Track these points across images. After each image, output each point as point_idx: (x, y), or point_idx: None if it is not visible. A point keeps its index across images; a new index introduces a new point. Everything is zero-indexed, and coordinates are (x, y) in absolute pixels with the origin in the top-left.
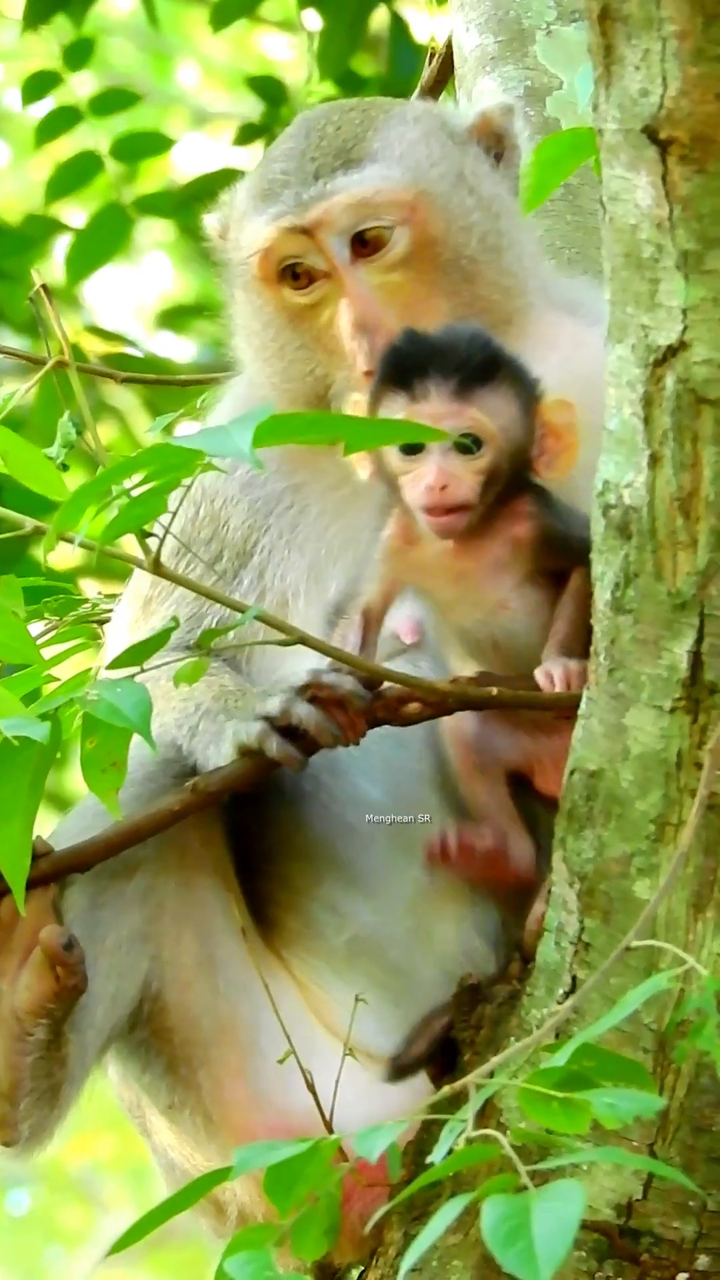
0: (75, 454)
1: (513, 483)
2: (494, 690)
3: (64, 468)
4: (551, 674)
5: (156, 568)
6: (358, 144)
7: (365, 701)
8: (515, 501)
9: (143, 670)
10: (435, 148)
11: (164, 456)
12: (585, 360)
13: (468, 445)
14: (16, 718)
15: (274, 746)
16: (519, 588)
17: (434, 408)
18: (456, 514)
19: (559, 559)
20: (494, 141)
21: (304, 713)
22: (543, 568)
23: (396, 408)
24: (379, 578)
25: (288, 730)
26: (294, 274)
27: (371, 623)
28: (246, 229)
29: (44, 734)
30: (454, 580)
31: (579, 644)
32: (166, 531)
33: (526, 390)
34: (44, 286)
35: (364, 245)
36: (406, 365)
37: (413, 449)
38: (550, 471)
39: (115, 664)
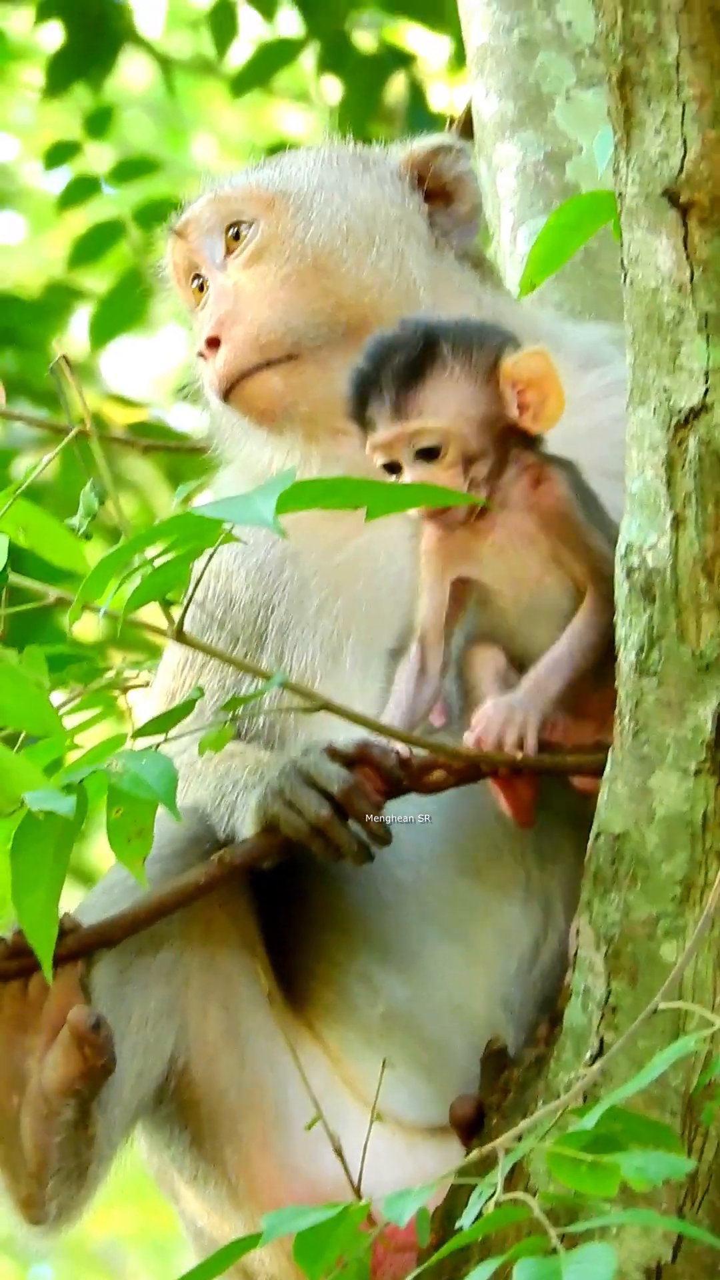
0: (96, 525)
1: (508, 443)
2: (518, 755)
3: (87, 537)
4: (472, 734)
5: (180, 635)
6: (256, 168)
7: (347, 784)
8: (531, 467)
9: (167, 739)
10: (319, 161)
11: (185, 526)
12: None
13: (429, 451)
14: (41, 790)
15: (288, 819)
16: (551, 563)
17: (383, 433)
18: (448, 511)
19: (577, 548)
20: (431, 180)
21: (332, 773)
22: (564, 551)
23: (365, 442)
24: (426, 587)
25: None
26: (193, 285)
27: (430, 645)
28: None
29: (69, 807)
30: (493, 557)
31: (554, 683)
32: (189, 600)
33: (475, 361)
34: (64, 357)
35: (229, 245)
36: (357, 397)
37: (392, 469)
38: (539, 424)
39: (140, 732)
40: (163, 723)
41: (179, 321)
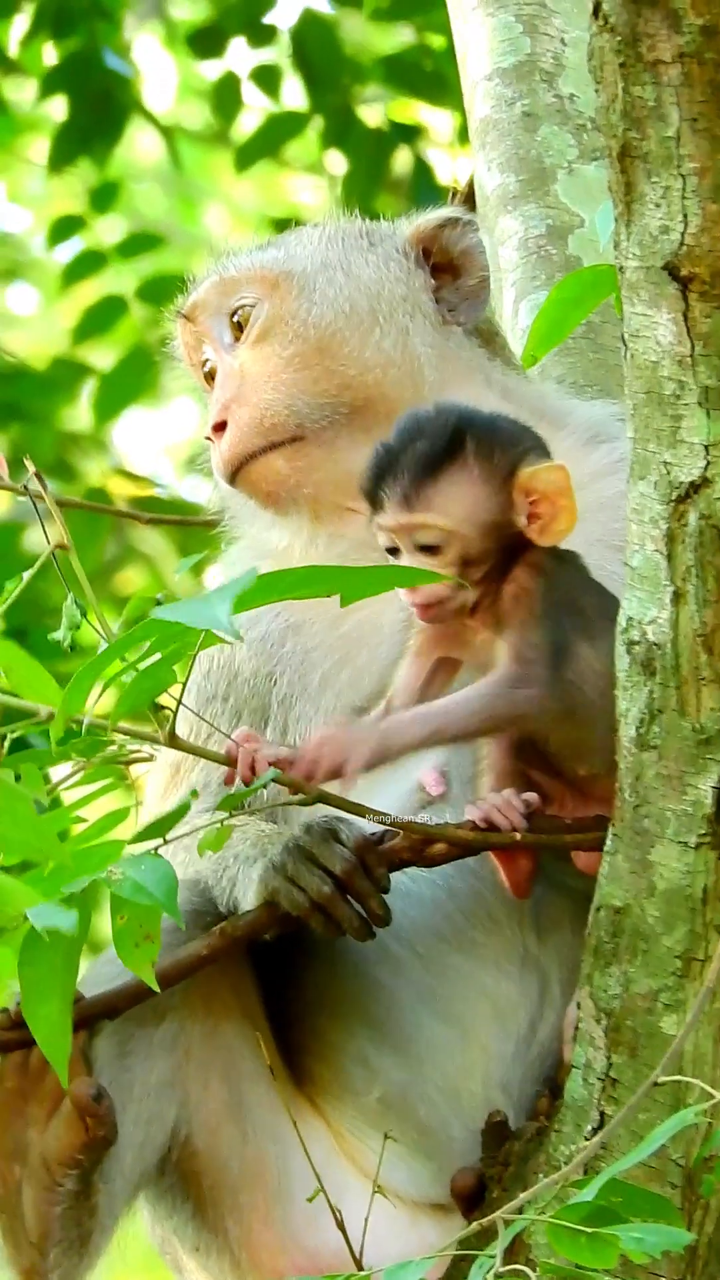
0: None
1: (509, 551)
2: (516, 835)
3: (72, 648)
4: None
5: (172, 740)
6: (260, 247)
7: (349, 863)
8: (531, 566)
9: (165, 842)
10: (324, 239)
11: (155, 630)
12: None
13: (429, 547)
14: (44, 905)
15: (289, 895)
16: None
17: (389, 518)
18: (438, 607)
19: (516, 631)
20: (439, 253)
21: (304, 876)
22: (508, 631)
23: (372, 520)
24: (410, 655)
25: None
26: (204, 371)
27: (395, 710)
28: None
29: (72, 924)
30: (481, 648)
31: (417, 730)
32: (179, 703)
33: (495, 465)
34: (38, 474)
35: (236, 326)
36: (372, 476)
37: (393, 552)
38: (546, 537)
39: (139, 837)
40: (160, 827)
41: (190, 394)
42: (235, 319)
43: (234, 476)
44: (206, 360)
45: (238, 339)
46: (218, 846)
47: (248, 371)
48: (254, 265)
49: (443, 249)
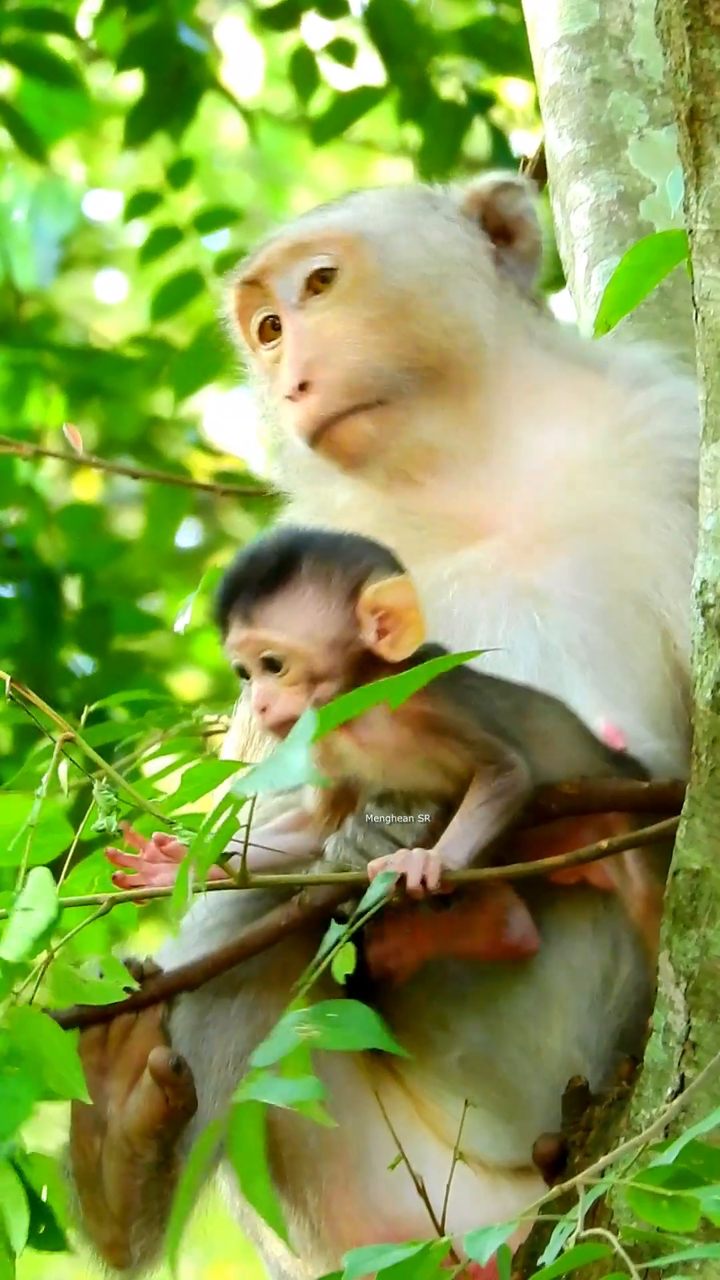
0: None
1: (364, 664)
2: (603, 844)
3: (119, 834)
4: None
5: (244, 880)
6: (327, 206)
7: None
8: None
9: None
10: (392, 203)
11: (228, 805)
12: (594, 412)
13: (273, 664)
14: (268, 1082)
15: (358, 866)
16: (429, 764)
17: (233, 638)
18: (286, 726)
19: (456, 748)
20: (493, 218)
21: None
22: (444, 752)
23: (222, 639)
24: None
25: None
26: (259, 326)
27: (309, 828)
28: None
29: (305, 1094)
30: (369, 763)
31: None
32: (246, 846)
33: (334, 584)
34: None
35: (309, 287)
36: (218, 599)
37: (243, 673)
38: (395, 652)
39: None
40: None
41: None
42: (309, 280)
43: (317, 437)
44: (271, 318)
45: (306, 300)
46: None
47: (327, 333)
48: (329, 226)
49: (497, 213)
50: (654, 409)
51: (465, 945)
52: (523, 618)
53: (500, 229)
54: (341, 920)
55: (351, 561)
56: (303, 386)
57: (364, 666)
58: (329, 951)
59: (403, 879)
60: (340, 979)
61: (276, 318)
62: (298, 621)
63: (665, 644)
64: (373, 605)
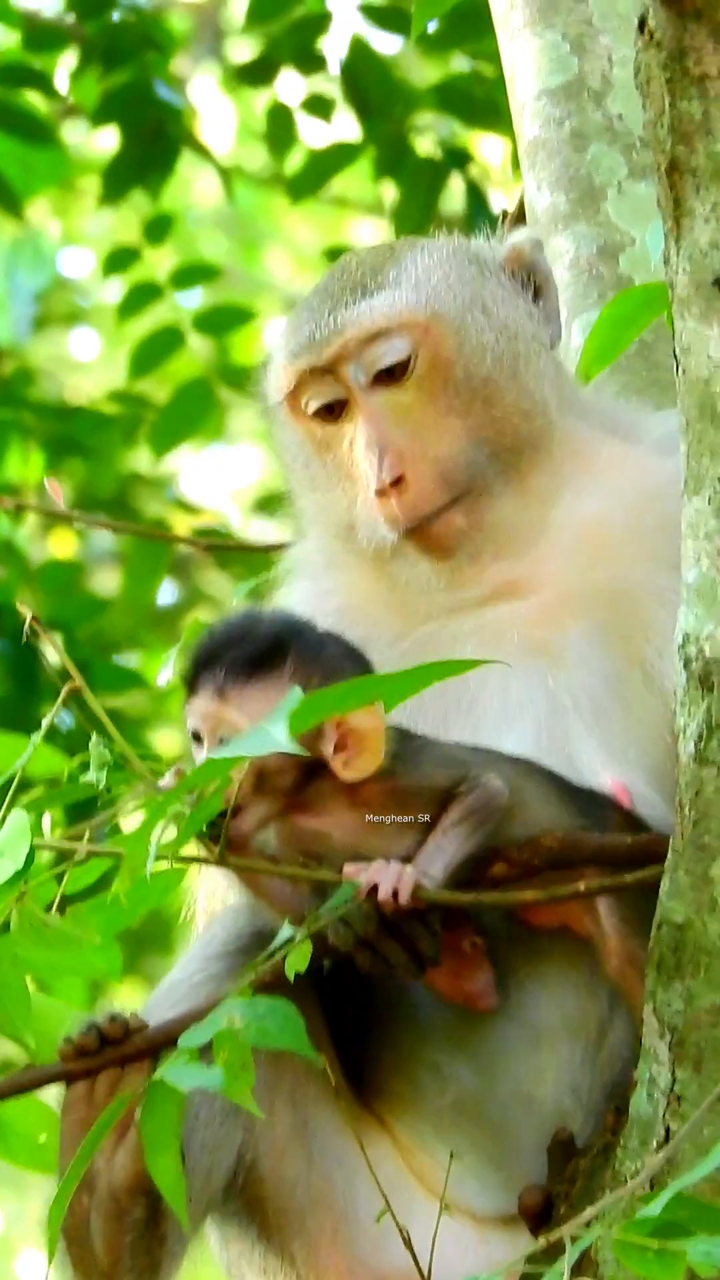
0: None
1: (304, 778)
2: (580, 886)
3: (107, 790)
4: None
5: (222, 860)
6: (375, 276)
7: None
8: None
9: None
10: (451, 272)
11: (210, 770)
12: (627, 479)
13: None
14: (181, 1066)
15: (336, 930)
16: (398, 833)
17: (199, 705)
18: (237, 815)
19: (423, 805)
20: (525, 273)
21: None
22: (412, 809)
23: (186, 702)
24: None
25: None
26: (320, 408)
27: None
28: (274, 370)
29: (219, 1082)
30: (332, 837)
31: (435, 869)
32: (225, 826)
33: (311, 685)
34: (35, 618)
35: (383, 372)
36: (194, 660)
37: (196, 739)
38: (348, 772)
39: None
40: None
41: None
42: (382, 367)
43: (412, 533)
44: (336, 406)
45: (379, 384)
46: (302, 966)
47: (410, 422)
48: (401, 311)
49: (529, 271)
50: (677, 479)
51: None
52: (534, 674)
53: (528, 282)
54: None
55: (332, 670)
56: (397, 482)
57: (310, 776)
58: (281, 945)
59: (374, 890)
60: (290, 977)
61: (345, 403)
62: (267, 711)
63: (669, 712)
64: (339, 720)
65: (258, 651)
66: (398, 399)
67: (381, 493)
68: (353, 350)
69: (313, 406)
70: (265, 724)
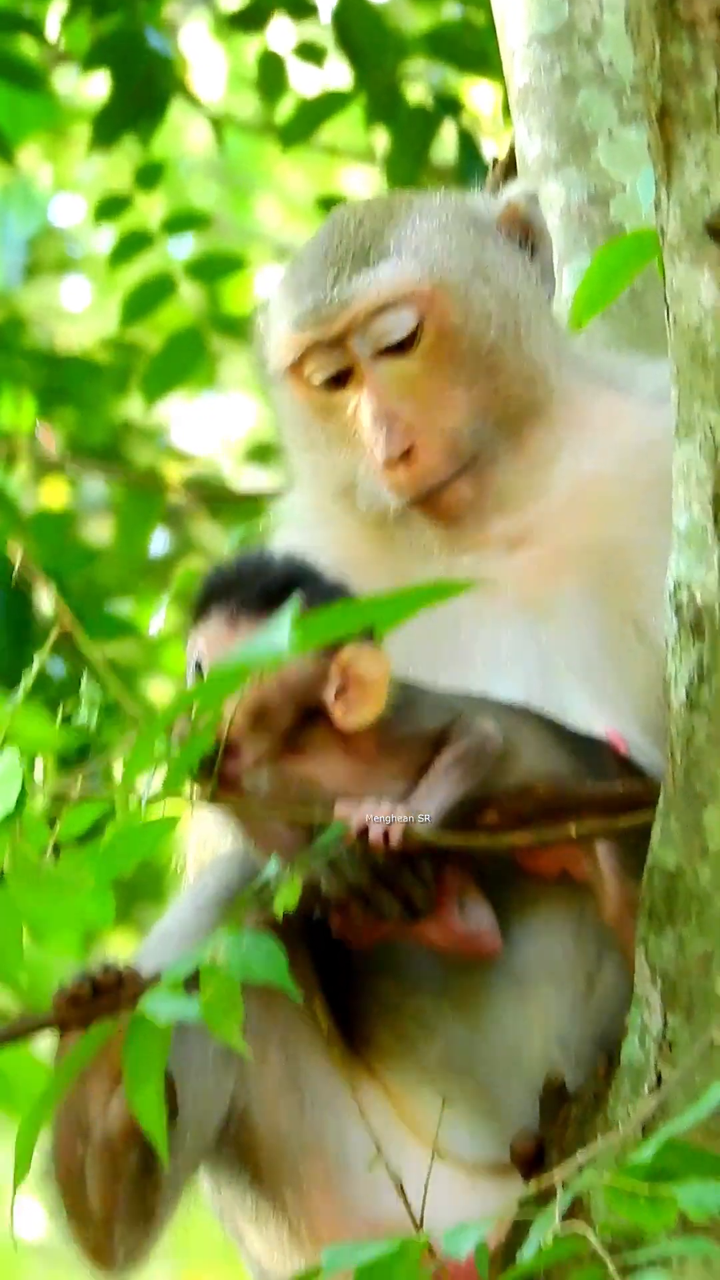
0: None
1: (300, 724)
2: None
3: (97, 732)
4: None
5: (214, 798)
6: (375, 242)
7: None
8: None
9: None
10: (452, 238)
11: (211, 688)
12: (622, 433)
13: None
14: (163, 997)
15: (328, 880)
16: (395, 778)
17: (208, 632)
18: (231, 753)
19: (416, 752)
20: (522, 229)
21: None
22: (410, 758)
23: (191, 626)
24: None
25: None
26: (326, 379)
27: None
28: (275, 336)
29: (197, 1014)
30: (323, 785)
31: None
32: (217, 761)
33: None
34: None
35: (389, 342)
36: (209, 589)
37: (199, 671)
38: (346, 720)
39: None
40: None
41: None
42: (390, 341)
43: (420, 502)
44: (342, 376)
45: (385, 355)
46: (292, 904)
47: (418, 392)
48: (406, 281)
49: (525, 226)
50: (671, 432)
51: (420, 927)
52: (526, 629)
53: (526, 241)
54: (319, 921)
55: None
56: (406, 453)
57: (307, 722)
58: (267, 882)
59: (365, 831)
60: (279, 916)
61: (350, 371)
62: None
63: (662, 666)
64: (345, 665)
65: (274, 585)
66: (404, 369)
67: (389, 464)
68: (360, 323)
69: (318, 379)
70: (269, 634)
